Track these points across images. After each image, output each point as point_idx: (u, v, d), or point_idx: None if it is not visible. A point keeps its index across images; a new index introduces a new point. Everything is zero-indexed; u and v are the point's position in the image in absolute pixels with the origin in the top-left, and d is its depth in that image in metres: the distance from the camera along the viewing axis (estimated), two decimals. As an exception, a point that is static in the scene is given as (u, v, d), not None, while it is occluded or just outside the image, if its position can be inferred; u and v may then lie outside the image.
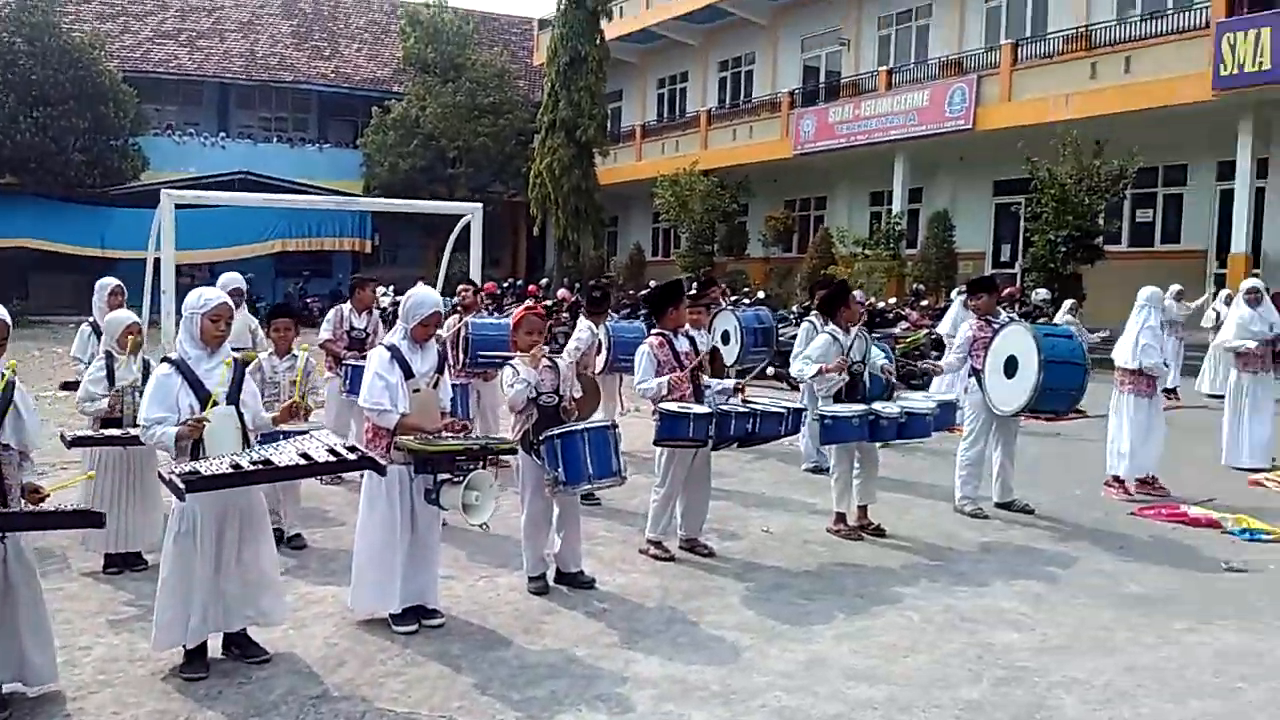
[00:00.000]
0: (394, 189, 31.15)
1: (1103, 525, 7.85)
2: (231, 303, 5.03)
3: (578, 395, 6.01)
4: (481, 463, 5.14)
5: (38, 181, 28.81)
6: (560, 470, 5.66)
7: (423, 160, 33.07)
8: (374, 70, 38.23)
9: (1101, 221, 19.68)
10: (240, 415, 4.83)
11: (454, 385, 7.37)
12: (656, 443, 6.53)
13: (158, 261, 11.52)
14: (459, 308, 9.33)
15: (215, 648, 4.89)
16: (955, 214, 24.05)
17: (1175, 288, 14.73)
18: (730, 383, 6.84)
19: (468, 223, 12.58)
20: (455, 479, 5.04)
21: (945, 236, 23.45)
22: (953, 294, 16.04)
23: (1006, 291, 16.90)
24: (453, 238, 13.16)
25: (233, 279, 8.59)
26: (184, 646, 4.76)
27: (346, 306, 8.94)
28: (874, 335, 13.02)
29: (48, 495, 4.36)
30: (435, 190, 31.08)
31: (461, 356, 8.49)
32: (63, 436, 5.95)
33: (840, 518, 7.44)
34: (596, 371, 8.73)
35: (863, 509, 7.46)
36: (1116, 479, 8.85)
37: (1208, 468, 9.93)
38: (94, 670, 4.78)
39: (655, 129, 34.47)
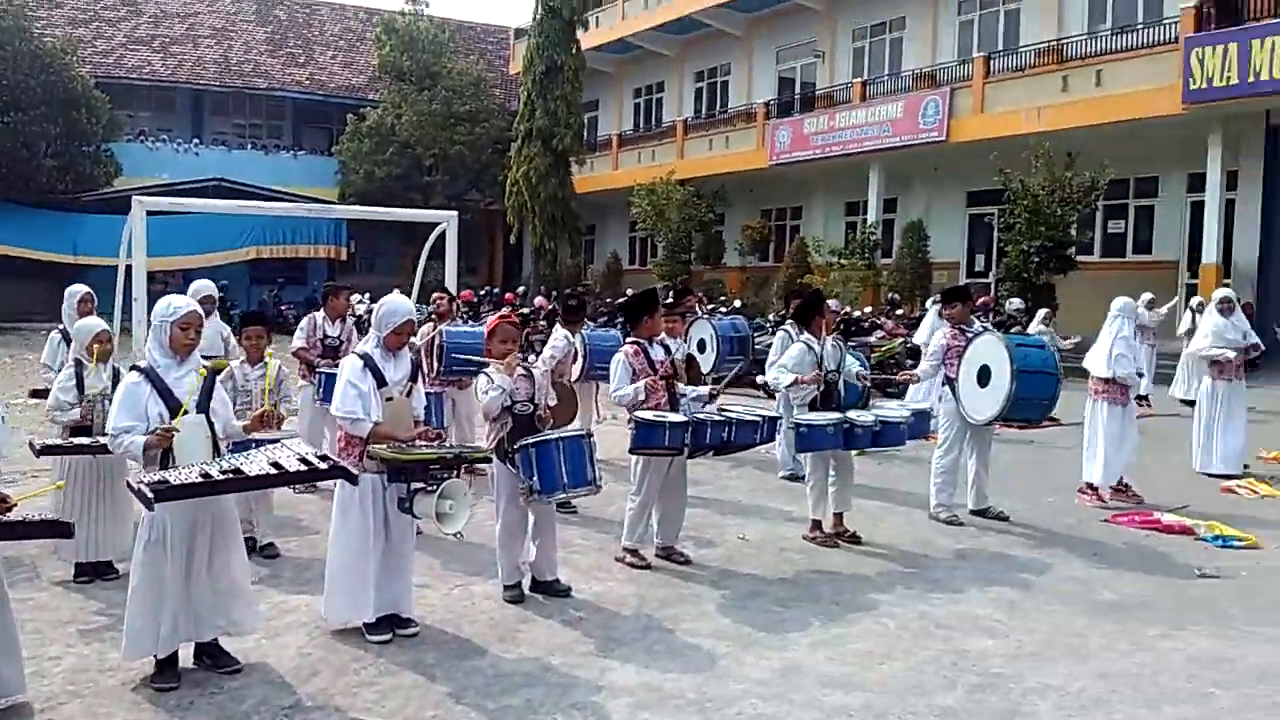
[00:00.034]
0: (369, 197, 31.03)
1: (1076, 532, 7.90)
2: (201, 311, 4.98)
3: (553, 403, 5.99)
4: (455, 471, 5.11)
5: (9, 187, 28.52)
6: (535, 479, 5.64)
7: (398, 168, 32.99)
8: (349, 78, 38.11)
9: (1074, 232, 19.89)
10: (210, 424, 4.79)
11: (429, 394, 7.35)
12: (632, 451, 6.52)
13: (129, 268, 11.45)
14: (434, 316, 9.30)
15: (187, 657, 4.84)
16: (930, 224, 24.23)
17: (1146, 296, 14.87)
18: (705, 389, 6.84)
19: (443, 231, 12.55)
20: (429, 488, 5.01)
21: (920, 246, 23.61)
22: (928, 303, 16.12)
23: (981, 301, 17.01)
24: (428, 246, 13.13)
25: (204, 286, 8.53)
26: (155, 656, 4.70)
27: (320, 314, 8.89)
28: (849, 344, 13.11)
29: (15, 504, 4.30)
30: (411, 198, 30.98)
31: (436, 365, 8.46)
32: (32, 445, 5.88)
33: (816, 525, 7.45)
34: (572, 380, 8.72)
35: (838, 516, 7.47)
36: (1090, 486, 8.92)
37: (1180, 474, 10.01)
38: (63, 681, 4.71)
39: (632, 138, 34.54)
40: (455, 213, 13.25)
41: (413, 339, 5.79)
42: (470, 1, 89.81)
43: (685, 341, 9.14)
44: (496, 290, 29.63)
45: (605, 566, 6.68)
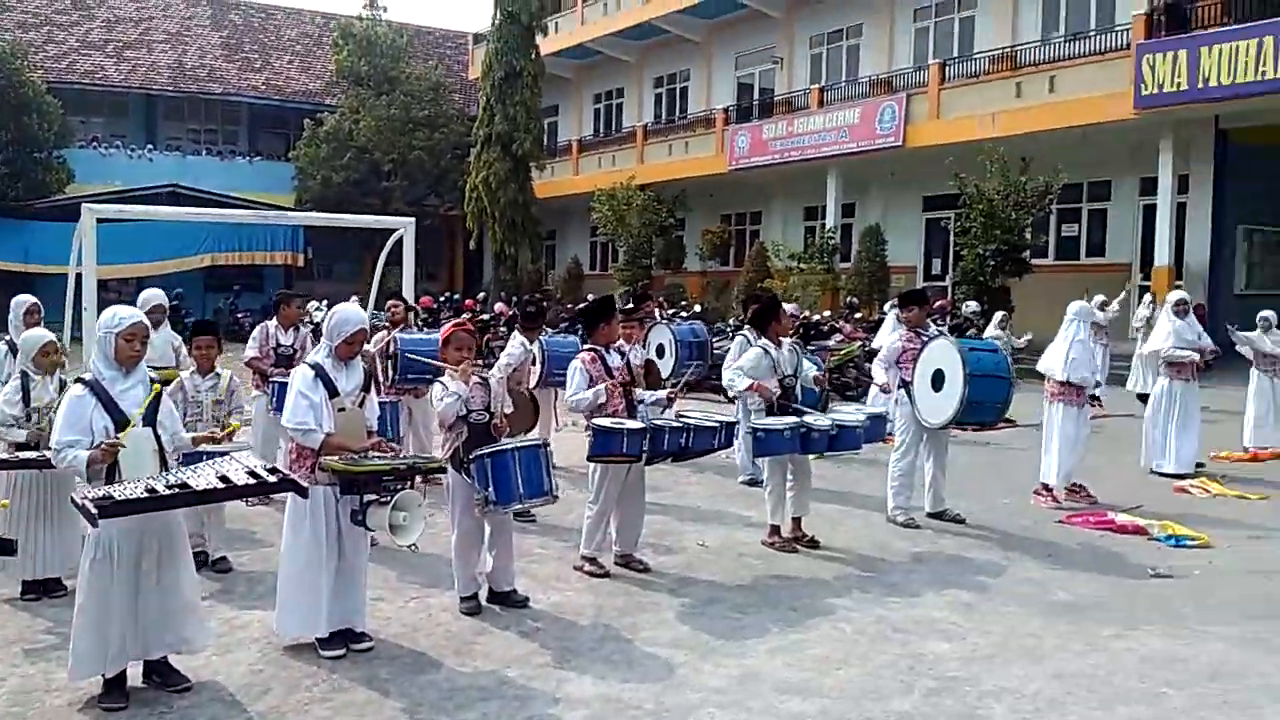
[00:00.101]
0: (327, 202, 30.76)
1: (1032, 533, 7.97)
2: (147, 321, 4.89)
3: (509, 411, 5.95)
4: (409, 482, 5.05)
5: (-42, 194, 28.02)
6: (491, 490, 5.59)
7: (356, 173, 32.73)
8: (306, 83, 37.78)
9: (1028, 236, 20.10)
10: (157, 437, 4.70)
11: (384, 402, 7.28)
12: (590, 458, 6.50)
13: (80, 277, 11.25)
14: (389, 323, 9.22)
15: (135, 676, 4.75)
16: (887, 228, 24.39)
17: (1099, 298, 15.08)
18: (662, 394, 6.82)
19: (400, 237, 12.46)
20: (382, 499, 4.95)
21: (878, 250, 23.77)
22: (886, 307, 16.23)
23: (938, 304, 17.16)
24: (385, 252, 13.02)
25: (154, 296, 8.40)
26: (103, 676, 4.62)
27: (272, 323, 8.78)
28: (809, 348, 13.16)
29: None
30: (369, 204, 30.75)
31: (392, 373, 8.38)
32: (-25, 460, 5.75)
33: (775, 530, 7.46)
34: (531, 387, 8.67)
35: (796, 521, 7.49)
36: (1046, 487, 9.00)
37: (1134, 475, 10.13)
38: (7, 702, 4.61)
39: (592, 144, 34.52)
40: (413, 219, 13.16)
41: (366, 346, 5.73)
42: (429, 6, 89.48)
43: (644, 347, 9.15)
44: (456, 296, 29.47)
45: (563, 576, 6.64)
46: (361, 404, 5.30)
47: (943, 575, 6.79)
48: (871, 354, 14.12)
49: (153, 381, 4.80)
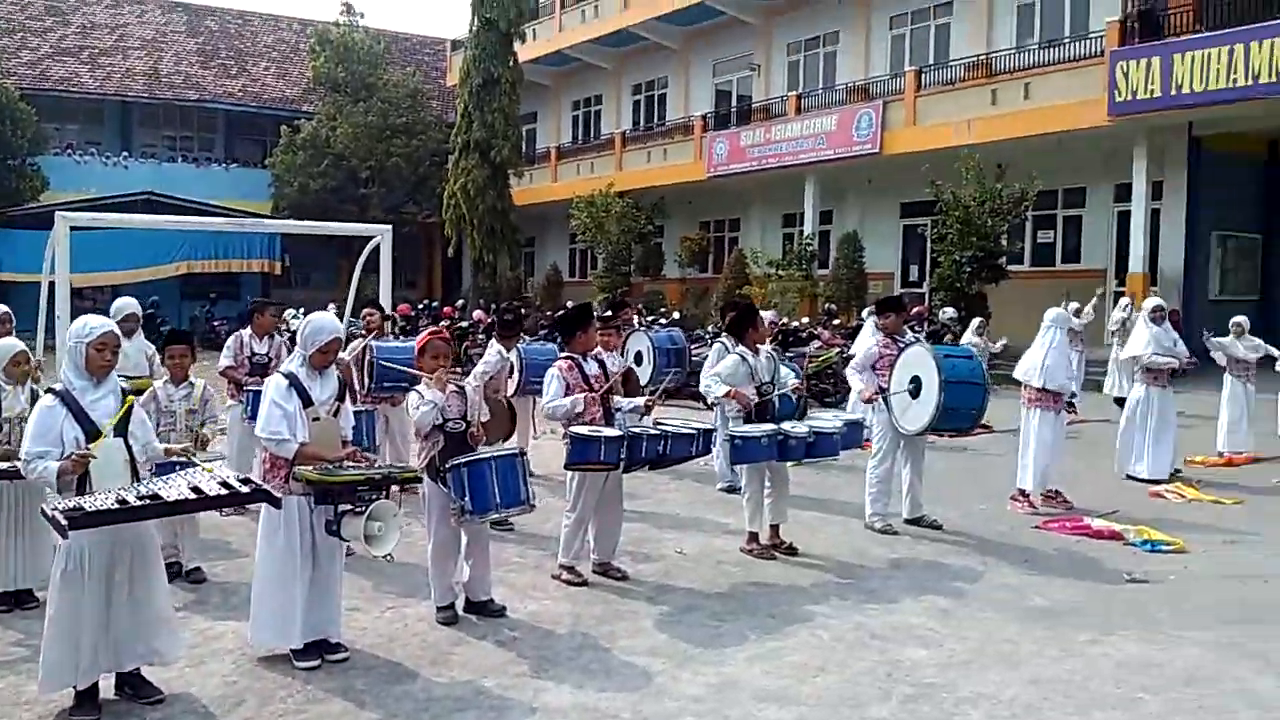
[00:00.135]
0: (304, 209, 30.62)
1: (1008, 539, 8.00)
2: (118, 331, 4.83)
3: (485, 419, 5.92)
4: (384, 492, 5.02)
5: (-70, 202, 27.74)
6: (467, 499, 5.56)
7: (334, 180, 32.60)
8: (283, 89, 37.62)
9: (1004, 242, 20.22)
10: (129, 447, 4.65)
11: (360, 411, 7.23)
12: (567, 467, 6.48)
13: (53, 285, 11.15)
14: (365, 331, 9.17)
15: (108, 688, 4.70)
16: (865, 235, 24.49)
17: (1074, 305, 15.18)
18: (640, 401, 6.81)
19: (377, 245, 12.41)
20: (357, 509, 4.91)
21: (855, 257, 23.86)
22: (864, 313, 16.29)
23: (915, 310, 17.24)
24: (362, 259, 12.96)
25: (127, 305, 8.32)
26: (74, 688, 4.56)
27: (246, 332, 8.72)
28: (787, 354, 13.19)
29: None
30: (347, 211, 30.62)
31: (368, 381, 8.34)
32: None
33: (753, 537, 7.46)
34: (508, 395, 8.64)
35: (775, 528, 7.49)
36: (1022, 493, 9.04)
37: (1110, 480, 10.20)
38: (-26, 717, 4.55)
39: (570, 150, 34.51)
40: (390, 226, 13.11)
41: (341, 355, 5.69)
42: (406, 13, 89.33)
43: (622, 354, 9.13)
44: (435, 304, 29.38)
45: (541, 585, 6.61)
46: (336, 413, 5.26)
47: (920, 581, 6.80)
48: (850, 360, 14.18)
49: (124, 392, 4.75)
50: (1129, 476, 10.26)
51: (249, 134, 37.24)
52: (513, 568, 6.94)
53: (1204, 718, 4.70)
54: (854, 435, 7.59)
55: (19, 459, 4.80)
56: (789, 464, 7.48)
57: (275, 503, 4.64)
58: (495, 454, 5.74)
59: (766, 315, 10.75)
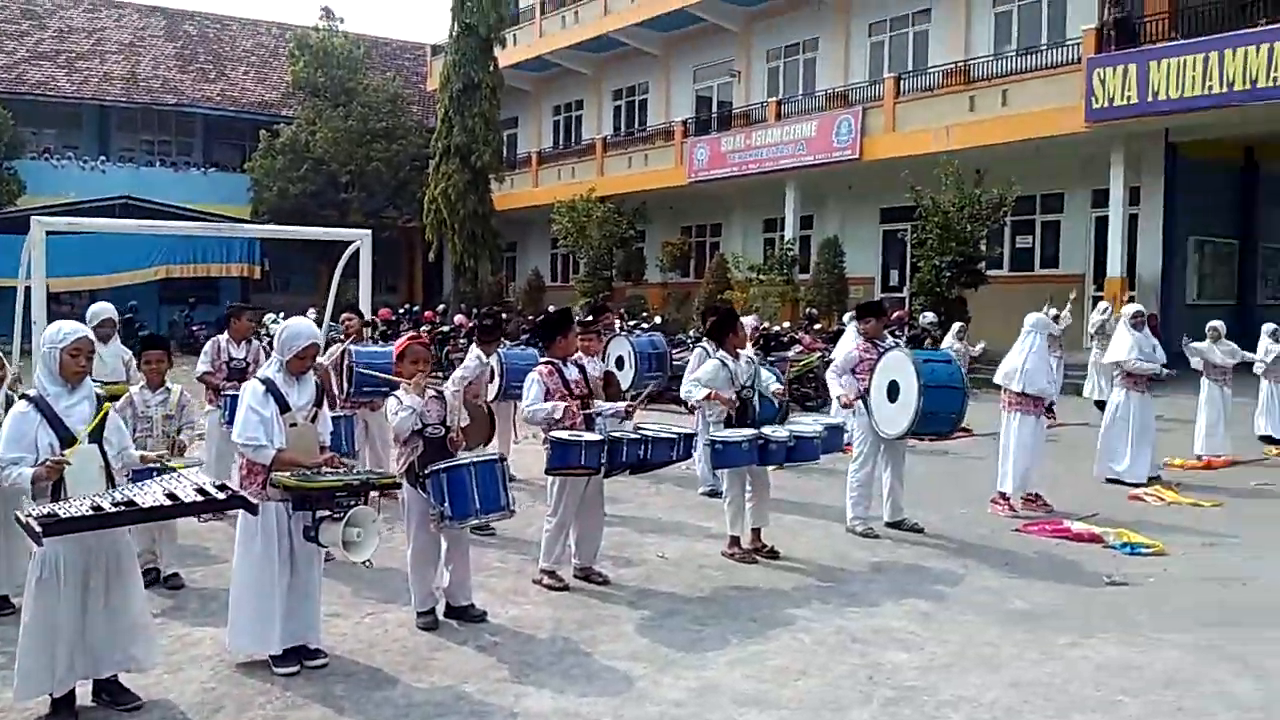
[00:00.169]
0: (284, 214, 30.47)
1: (989, 542, 8.03)
2: (92, 336, 4.79)
3: (465, 424, 5.89)
4: (363, 498, 4.98)
5: (-95, 207, 27.45)
6: (446, 505, 5.54)
7: (313, 185, 32.47)
8: (262, 94, 37.45)
9: (984, 247, 20.34)
10: (104, 454, 4.61)
11: (339, 416, 7.19)
12: (548, 471, 6.46)
13: (30, 290, 11.05)
14: (343, 336, 9.13)
15: (85, 695, 4.67)
16: (845, 240, 24.57)
17: (1052, 311, 15.27)
18: (620, 405, 6.80)
19: (357, 250, 12.35)
20: (335, 515, 4.88)
21: (836, 262, 23.93)
22: (846, 318, 16.33)
23: (896, 315, 17.29)
24: (341, 264, 12.90)
25: (103, 309, 8.26)
26: (50, 695, 4.53)
27: (224, 337, 8.65)
28: (769, 359, 13.19)
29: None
30: (327, 216, 30.49)
31: (346, 386, 8.29)
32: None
33: (734, 541, 7.46)
34: (489, 400, 8.61)
35: (756, 532, 7.49)
36: (1003, 495, 9.07)
37: (1089, 483, 10.25)
38: (-53, 726, 4.50)
39: (552, 155, 34.49)
40: (369, 231, 13.06)
41: (320, 359, 5.66)
42: (386, 18, 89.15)
43: (603, 359, 9.12)
44: (416, 308, 29.28)
45: (522, 589, 6.59)
46: (314, 419, 5.23)
47: (901, 585, 6.82)
48: (831, 364, 14.21)
49: (99, 398, 4.71)
50: (1109, 479, 10.31)
51: (228, 138, 37.04)
52: (494, 573, 6.92)
53: None
54: (834, 440, 7.60)
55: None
56: (770, 468, 7.48)
57: (252, 509, 4.61)
58: (475, 459, 5.73)
59: (748, 321, 10.77)
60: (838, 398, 8.47)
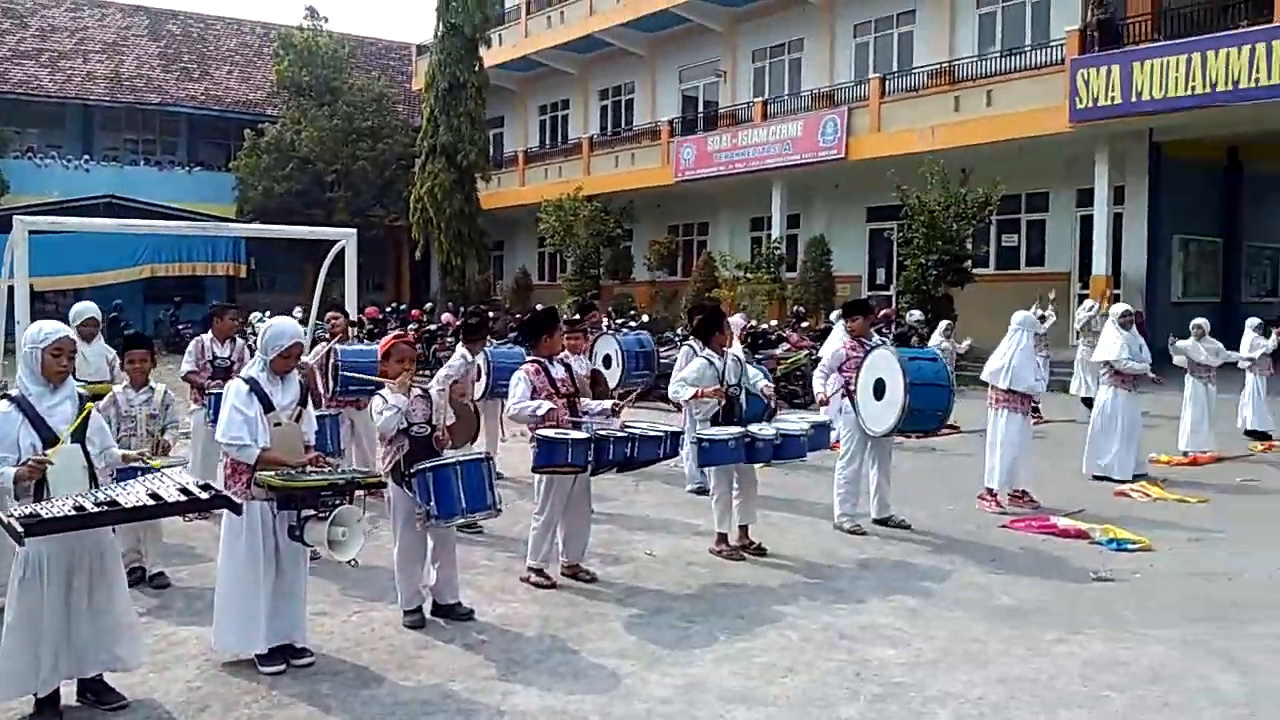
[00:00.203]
0: (269, 213, 30.36)
1: (976, 538, 8.05)
2: (74, 335, 4.77)
3: (450, 423, 5.87)
4: (348, 497, 4.96)
5: (-114, 207, 27.19)
6: (432, 504, 5.52)
7: (299, 184, 32.35)
8: (246, 93, 37.31)
9: (969, 246, 20.40)
10: (87, 453, 4.58)
11: (325, 415, 7.15)
12: (535, 469, 6.45)
13: (12, 290, 10.97)
14: (329, 335, 9.09)
15: (70, 694, 4.64)
16: (832, 239, 24.62)
17: (1038, 311, 15.33)
18: (607, 403, 6.79)
19: (342, 249, 12.30)
20: (320, 515, 4.85)
21: (823, 260, 23.98)
22: (832, 316, 16.35)
23: (882, 313, 17.33)
24: (326, 263, 12.84)
25: (86, 309, 8.21)
26: (34, 695, 4.50)
27: (207, 336, 8.60)
28: (756, 356, 13.19)
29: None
30: (312, 214, 30.38)
31: (331, 385, 8.26)
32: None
33: (722, 538, 7.46)
34: (475, 399, 8.59)
35: (744, 529, 7.49)
36: (990, 491, 9.10)
37: (1075, 479, 10.28)
38: (-71, 727, 4.46)
39: (538, 155, 34.46)
40: (354, 230, 12.99)
41: (305, 358, 5.63)
42: (371, 18, 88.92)
43: (590, 358, 9.11)
44: (403, 307, 29.22)
45: (509, 587, 6.57)
46: (298, 418, 5.20)
47: (888, 581, 6.82)
48: (818, 363, 14.23)
49: (82, 398, 4.68)
50: (1096, 476, 10.33)
51: (212, 137, 36.90)
52: (481, 570, 6.90)
53: (1169, 715, 4.74)
54: (821, 437, 7.60)
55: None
56: (757, 465, 7.48)
57: (235, 509, 4.59)
58: (461, 458, 5.71)
59: (735, 320, 10.77)
60: (818, 395, 8.50)
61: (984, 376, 9.35)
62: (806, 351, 16.36)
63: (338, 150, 32.54)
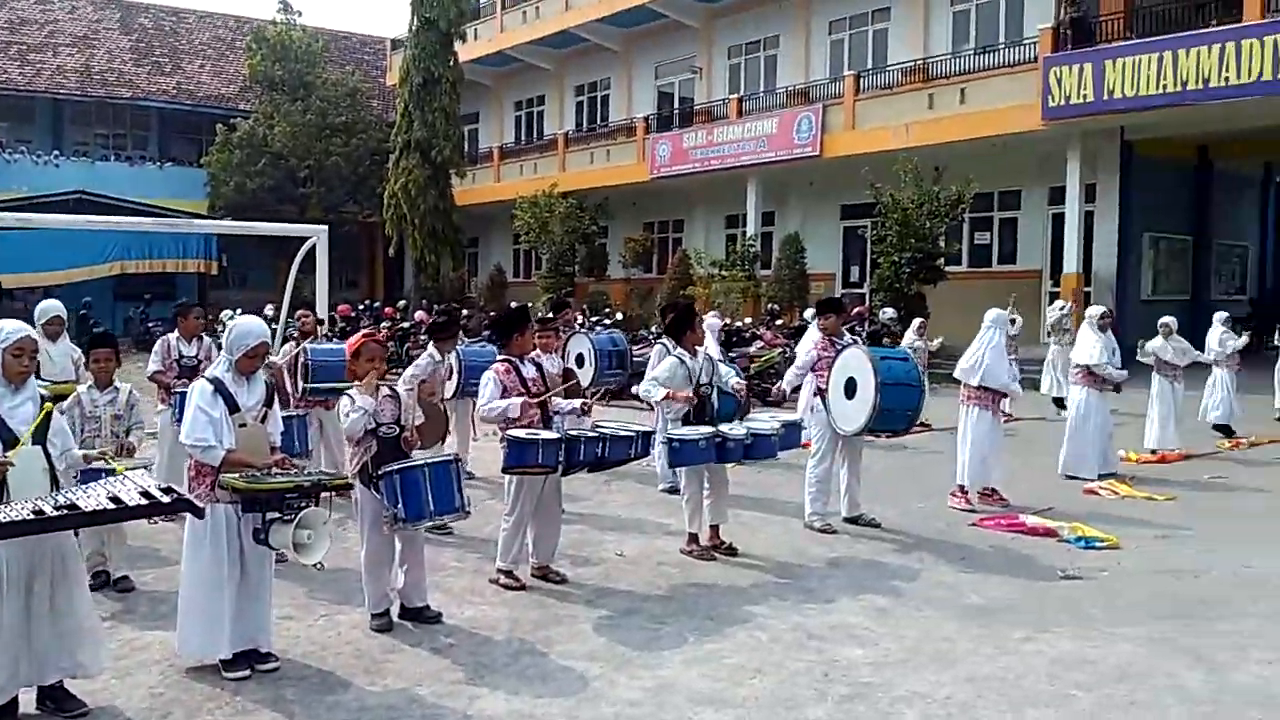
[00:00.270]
0: (241, 209, 30.12)
1: (946, 536, 8.08)
2: (34, 335, 4.69)
3: (419, 423, 5.83)
4: (314, 499, 4.91)
5: None
6: (400, 506, 5.48)
7: (271, 179, 32.11)
8: (218, 87, 36.96)
9: (942, 244, 20.52)
10: (48, 455, 4.51)
11: (294, 415, 7.08)
12: (505, 470, 6.41)
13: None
14: (298, 334, 9.01)
15: (29, 702, 4.57)
16: (806, 236, 24.67)
17: (1010, 314, 15.39)
18: (577, 403, 6.77)
19: (313, 245, 12.22)
20: (285, 517, 4.80)
21: (797, 258, 24.01)
22: (807, 314, 16.39)
23: (856, 311, 17.38)
24: (297, 260, 12.76)
25: (52, 307, 8.09)
26: (-9, 703, 4.41)
27: (174, 335, 8.50)
28: (730, 355, 13.19)
29: None
30: (285, 211, 30.15)
31: (301, 384, 8.19)
32: None
33: (693, 538, 7.45)
34: (446, 398, 8.54)
35: (714, 528, 7.49)
36: (961, 489, 9.14)
37: (1045, 477, 10.33)
38: (-116, 736, 4.38)
39: (513, 151, 34.35)
40: (326, 226, 12.92)
41: (273, 357, 5.58)
42: (345, 12, 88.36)
43: (563, 357, 9.07)
44: (376, 304, 29.06)
45: (478, 589, 6.54)
46: (264, 419, 5.15)
47: (858, 580, 6.84)
48: (792, 360, 14.26)
49: (44, 399, 4.61)
50: (1069, 475, 10.36)
51: (184, 132, 36.52)
52: (450, 572, 6.86)
53: (1135, 714, 4.76)
54: (792, 436, 7.61)
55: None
56: (728, 465, 7.48)
57: (197, 513, 4.53)
58: (429, 460, 5.67)
59: (709, 320, 10.77)
60: (778, 389, 8.56)
61: (956, 374, 9.40)
62: (780, 349, 16.39)
63: (311, 146, 32.31)
